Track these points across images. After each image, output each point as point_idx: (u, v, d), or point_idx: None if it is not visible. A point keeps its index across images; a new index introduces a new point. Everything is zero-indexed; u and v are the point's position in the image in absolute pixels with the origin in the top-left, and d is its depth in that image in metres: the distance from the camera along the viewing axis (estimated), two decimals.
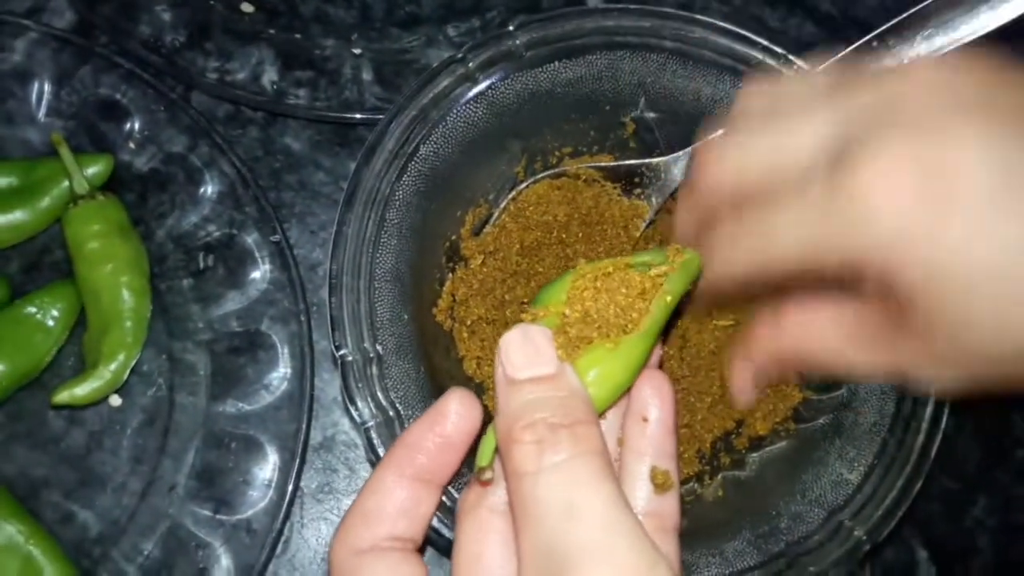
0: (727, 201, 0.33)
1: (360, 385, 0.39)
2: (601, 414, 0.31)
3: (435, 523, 0.38)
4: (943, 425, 0.41)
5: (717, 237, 0.34)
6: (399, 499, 0.28)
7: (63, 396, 0.44)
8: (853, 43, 0.42)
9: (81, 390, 0.44)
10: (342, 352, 0.40)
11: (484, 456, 0.29)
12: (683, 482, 0.45)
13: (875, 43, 0.42)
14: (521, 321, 0.46)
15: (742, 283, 0.33)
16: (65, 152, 0.46)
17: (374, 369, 0.40)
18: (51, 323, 0.46)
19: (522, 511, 0.24)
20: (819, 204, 0.29)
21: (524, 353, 0.28)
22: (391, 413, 0.40)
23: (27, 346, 0.45)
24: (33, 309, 0.46)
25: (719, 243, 0.33)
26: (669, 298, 0.33)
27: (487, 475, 0.28)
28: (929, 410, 0.41)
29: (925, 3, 0.39)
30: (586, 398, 0.28)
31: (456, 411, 0.29)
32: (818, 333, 0.35)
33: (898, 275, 0.28)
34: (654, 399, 0.30)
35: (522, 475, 0.25)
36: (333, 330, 0.40)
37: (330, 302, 0.40)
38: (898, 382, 0.35)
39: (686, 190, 0.37)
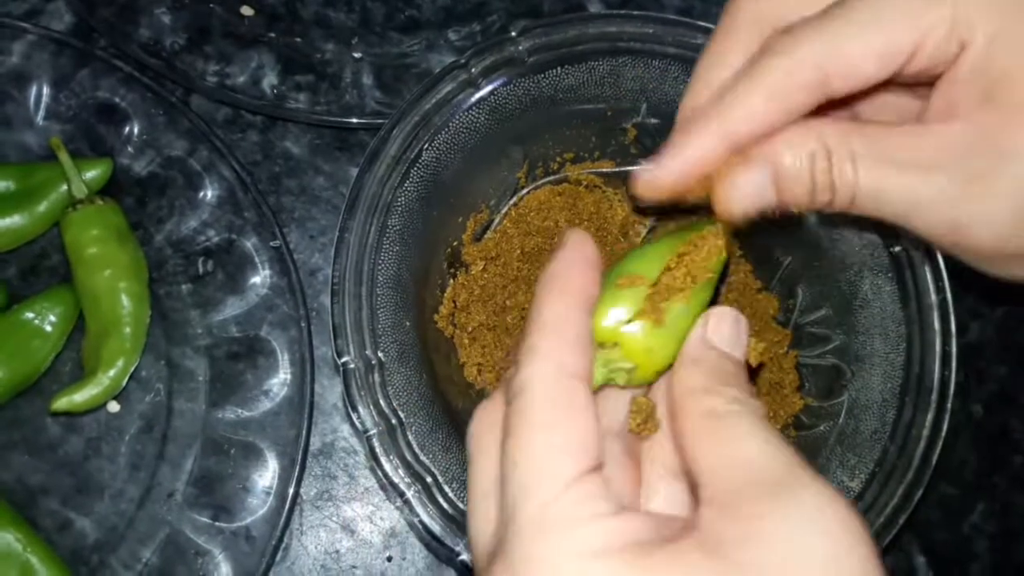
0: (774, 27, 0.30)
1: (362, 393, 0.39)
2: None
3: (435, 528, 0.38)
4: (944, 433, 0.41)
5: (764, 56, 0.29)
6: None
7: (62, 403, 0.44)
8: None
9: (80, 396, 0.44)
10: (344, 359, 0.40)
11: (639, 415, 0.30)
12: None
13: None
14: (521, 325, 0.46)
15: (817, 93, 0.29)
16: (64, 156, 0.46)
17: (376, 376, 0.40)
18: (49, 328, 0.46)
19: (713, 442, 0.26)
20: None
21: (733, 332, 0.29)
22: (393, 421, 0.39)
23: (25, 352, 0.45)
24: (31, 314, 0.45)
25: (793, 38, 0.29)
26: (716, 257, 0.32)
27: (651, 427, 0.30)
28: (930, 417, 0.41)
29: None
30: (751, 388, 0.29)
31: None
32: (895, 144, 0.29)
33: (995, 42, 0.27)
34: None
35: (715, 414, 0.26)
36: (335, 337, 0.40)
37: (332, 309, 0.40)
38: (945, 238, 0.29)
39: (715, 37, 0.32)
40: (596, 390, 0.29)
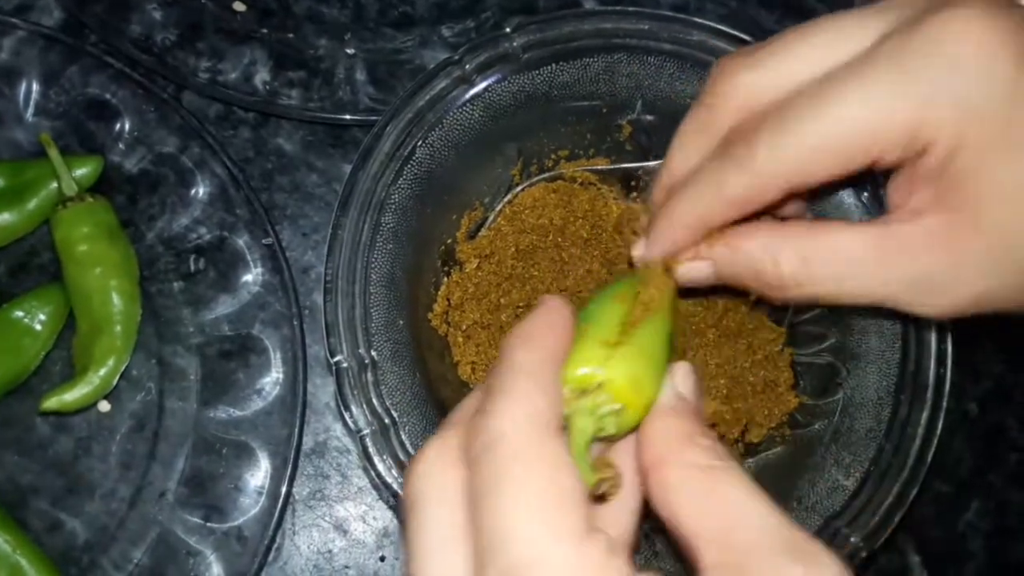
0: (758, 108, 0.31)
1: (355, 392, 0.39)
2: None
3: None
4: (939, 431, 0.41)
5: (729, 166, 0.31)
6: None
7: (52, 402, 0.44)
8: None
9: (70, 396, 0.44)
10: (337, 359, 0.39)
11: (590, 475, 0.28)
12: None
13: None
14: (513, 325, 0.46)
15: (779, 194, 0.31)
16: (54, 153, 0.46)
17: (369, 376, 0.40)
18: (39, 327, 0.45)
19: (703, 501, 0.25)
20: (888, 70, 0.28)
21: (697, 385, 0.30)
22: (386, 421, 0.39)
23: (15, 350, 0.45)
24: (21, 313, 0.45)
25: (750, 149, 0.30)
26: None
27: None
28: (925, 415, 0.41)
29: None
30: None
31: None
32: (838, 242, 0.31)
33: (961, 148, 0.28)
34: None
35: (701, 468, 0.26)
36: (328, 336, 0.39)
37: (325, 308, 0.40)
38: (908, 306, 0.31)
39: (697, 110, 0.34)
40: (587, 444, 0.27)
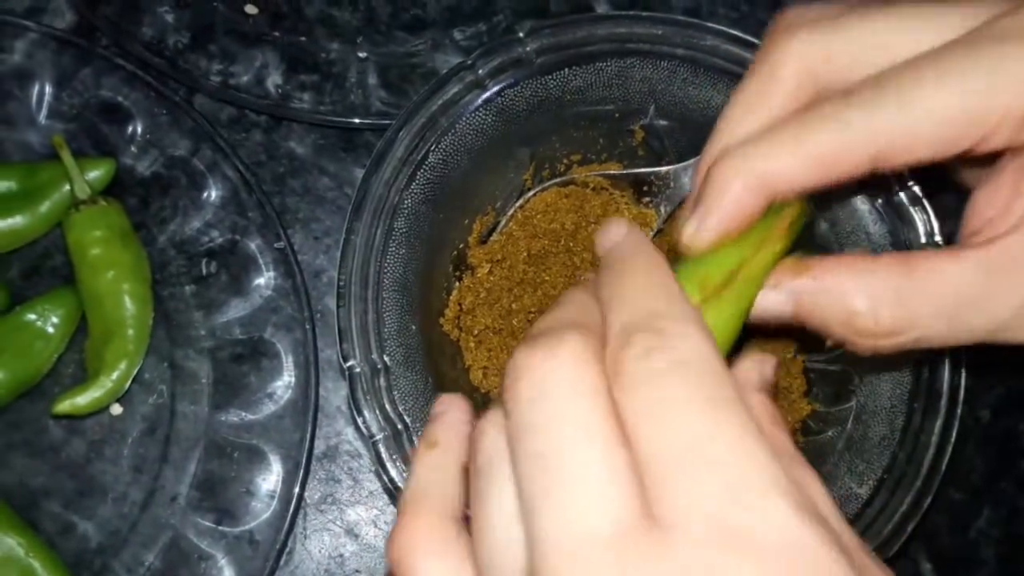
0: (824, 86, 0.28)
1: (368, 397, 0.39)
2: None
3: None
4: (953, 439, 0.40)
5: (816, 120, 0.27)
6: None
7: (64, 406, 0.44)
8: None
9: (83, 399, 0.44)
10: (350, 363, 0.39)
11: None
12: None
13: None
14: (528, 329, 0.46)
15: (862, 166, 0.27)
16: (66, 156, 0.46)
17: (382, 381, 0.40)
18: (51, 330, 0.45)
19: None
20: (1013, 49, 0.25)
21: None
22: (399, 426, 0.39)
23: (27, 354, 0.45)
24: (33, 316, 0.45)
25: (845, 107, 0.27)
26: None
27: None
28: (939, 424, 0.41)
29: None
30: None
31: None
32: (945, 274, 0.27)
33: None
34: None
35: None
36: (341, 341, 0.39)
37: (338, 313, 0.40)
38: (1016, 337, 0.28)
39: (758, 71, 0.29)
40: None
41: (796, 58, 0.28)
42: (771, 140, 0.27)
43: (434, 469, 0.25)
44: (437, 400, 0.28)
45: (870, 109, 0.26)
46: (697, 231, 0.28)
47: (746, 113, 0.29)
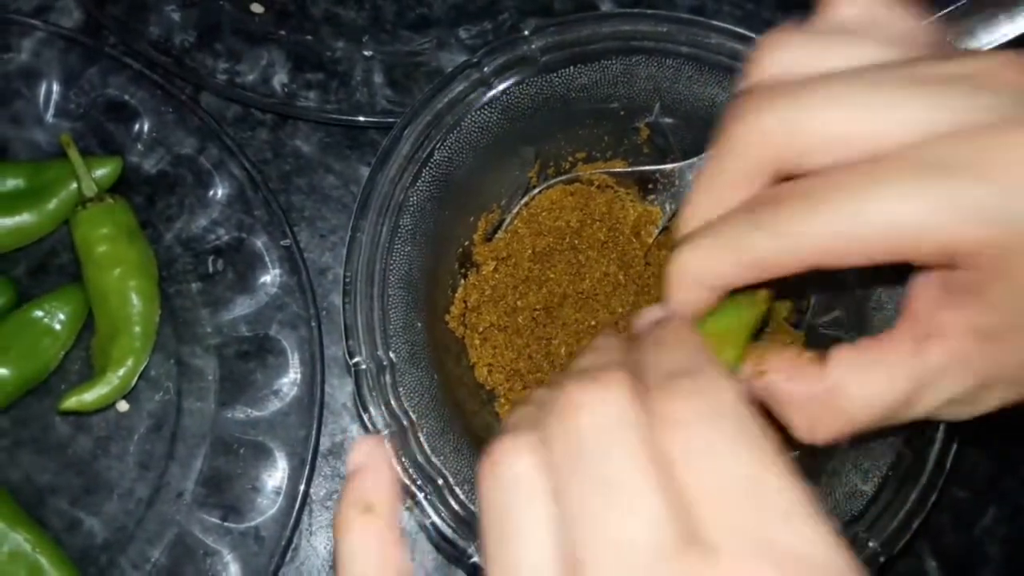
0: (782, 169, 0.28)
1: (374, 394, 0.39)
2: None
3: (446, 530, 0.38)
4: (959, 436, 0.40)
5: (749, 227, 0.28)
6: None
7: (71, 402, 0.44)
8: None
9: (89, 396, 0.44)
10: (356, 360, 0.39)
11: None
12: None
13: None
14: (532, 326, 0.46)
15: (798, 269, 0.27)
16: (73, 154, 0.46)
17: (387, 378, 0.40)
18: (58, 327, 0.45)
19: None
20: (942, 177, 0.24)
21: None
22: (405, 422, 0.39)
23: (34, 351, 0.45)
24: (40, 313, 0.45)
25: (752, 234, 0.27)
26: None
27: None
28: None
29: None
30: None
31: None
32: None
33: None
34: None
35: None
36: (347, 338, 0.39)
37: (344, 310, 0.40)
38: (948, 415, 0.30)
39: (711, 164, 0.30)
40: None
41: (757, 138, 0.27)
42: (712, 241, 0.29)
43: (378, 539, 0.24)
44: (354, 446, 0.26)
45: (800, 219, 0.26)
46: (666, 318, 0.30)
47: (706, 195, 0.30)
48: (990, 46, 0.38)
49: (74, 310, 0.46)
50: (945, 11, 0.40)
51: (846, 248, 0.26)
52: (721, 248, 0.28)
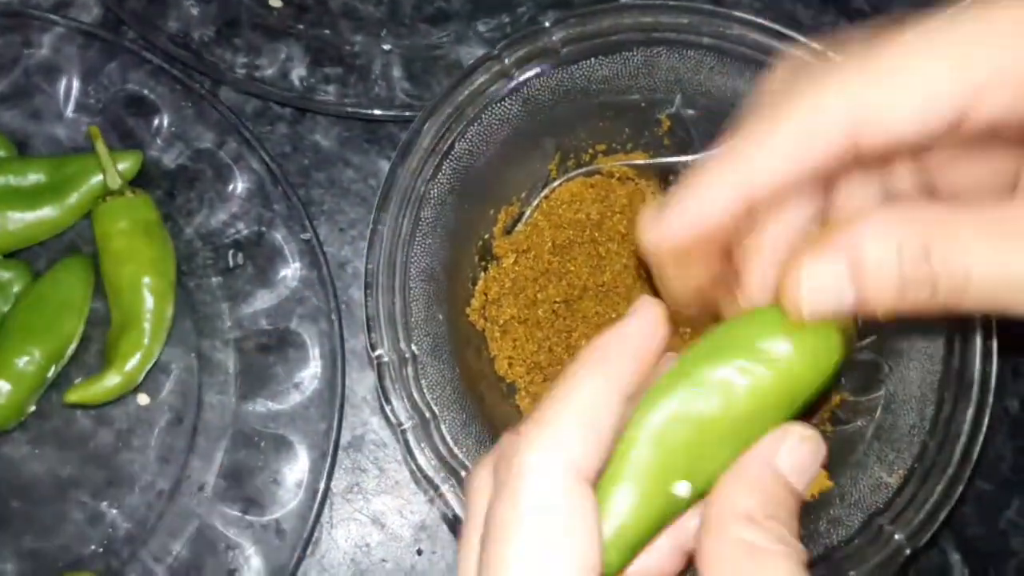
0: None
1: (396, 386, 0.39)
2: None
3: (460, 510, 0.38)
4: (984, 429, 0.40)
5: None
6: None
7: (75, 395, 0.44)
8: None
9: (94, 389, 0.44)
10: (378, 353, 0.39)
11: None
12: None
13: None
14: (552, 319, 0.46)
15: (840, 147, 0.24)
16: (100, 146, 0.46)
17: (409, 370, 0.40)
18: (71, 297, 0.45)
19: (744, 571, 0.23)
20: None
21: (808, 461, 0.25)
22: (427, 415, 0.39)
23: (54, 325, 0.45)
24: (51, 287, 0.45)
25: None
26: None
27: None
28: (971, 413, 0.40)
29: None
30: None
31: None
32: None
33: None
34: None
35: (752, 549, 0.23)
36: (369, 331, 0.39)
37: (366, 302, 0.40)
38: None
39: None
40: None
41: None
42: (744, 136, 0.25)
43: None
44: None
45: (834, 87, 0.24)
46: (657, 228, 0.27)
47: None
48: None
49: (81, 278, 0.46)
50: None
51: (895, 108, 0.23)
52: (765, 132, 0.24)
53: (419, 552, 0.46)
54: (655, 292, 0.46)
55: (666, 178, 0.46)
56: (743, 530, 0.23)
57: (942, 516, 0.39)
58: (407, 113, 0.49)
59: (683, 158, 0.45)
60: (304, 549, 0.44)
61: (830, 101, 0.23)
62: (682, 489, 0.24)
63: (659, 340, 0.25)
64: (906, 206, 0.24)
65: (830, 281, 0.23)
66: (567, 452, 0.22)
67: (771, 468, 0.24)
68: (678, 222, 0.26)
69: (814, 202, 0.27)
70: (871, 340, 0.44)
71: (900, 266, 0.22)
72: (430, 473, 0.38)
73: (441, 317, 0.42)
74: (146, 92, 0.49)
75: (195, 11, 0.50)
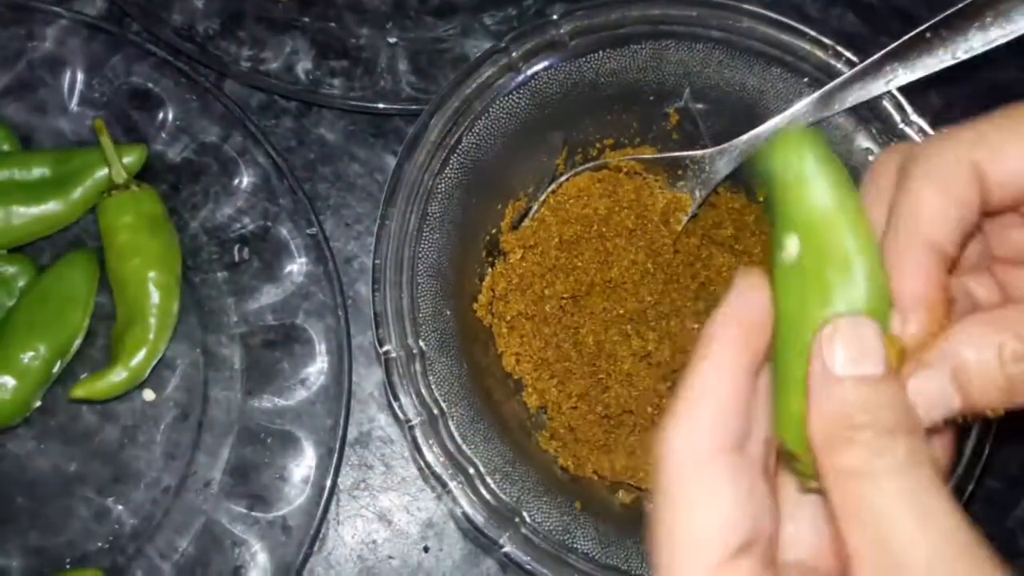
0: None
1: (404, 382, 0.39)
2: None
3: (478, 519, 0.38)
4: (995, 427, 0.40)
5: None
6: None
7: (81, 390, 0.44)
8: (900, 35, 0.41)
9: (99, 385, 0.44)
10: (386, 349, 0.39)
11: (796, 442, 0.24)
12: None
13: (928, 34, 0.41)
14: (560, 315, 0.45)
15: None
16: (105, 140, 0.45)
17: (417, 366, 0.39)
18: (76, 291, 0.45)
19: (856, 515, 0.22)
20: None
21: (855, 347, 0.24)
22: (435, 411, 0.39)
23: (59, 319, 0.44)
24: (55, 282, 0.45)
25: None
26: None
27: (812, 484, 0.25)
28: None
29: None
30: (912, 409, 0.24)
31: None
32: None
33: None
34: None
35: (854, 475, 0.23)
36: (376, 327, 0.39)
37: (373, 298, 0.39)
38: None
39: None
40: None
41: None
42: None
43: None
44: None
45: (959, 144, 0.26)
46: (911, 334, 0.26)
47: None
48: (986, 48, 0.39)
49: (85, 272, 0.46)
50: (941, 16, 0.40)
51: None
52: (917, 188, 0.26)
53: (426, 549, 0.46)
54: (663, 288, 0.45)
55: (674, 172, 0.46)
56: (835, 455, 0.23)
57: None
58: (413, 107, 0.49)
59: (692, 152, 0.45)
60: (310, 546, 0.44)
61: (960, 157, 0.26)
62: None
63: (764, 311, 0.25)
64: (996, 312, 0.25)
65: (935, 392, 0.25)
66: (701, 432, 0.24)
67: (826, 376, 0.24)
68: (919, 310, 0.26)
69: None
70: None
71: (1002, 367, 0.24)
72: (438, 470, 0.38)
73: (448, 313, 0.42)
74: (150, 85, 0.48)
75: (199, 4, 0.50)
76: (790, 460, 0.25)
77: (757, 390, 0.26)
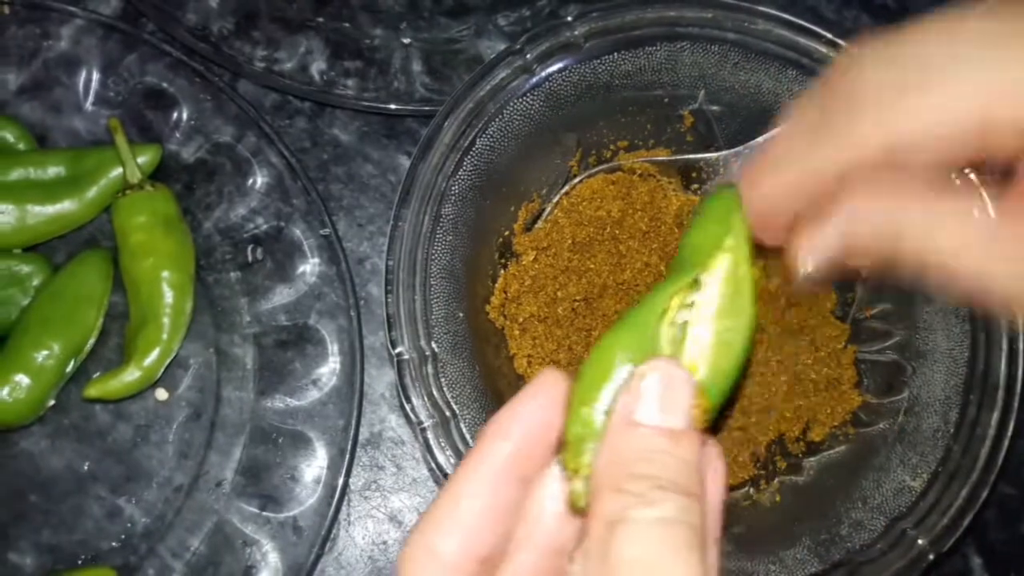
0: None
1: (416, 384, 0.39)
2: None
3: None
4: (1010, 432, 0.40)
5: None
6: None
7: (94, 390, 0.44)
8: None
9: (113, 384, 0.44)
10: (398, 350, 0.39)
11: (576, 459, 0.24)
12: (738, 486, 0.44)
13: None
14: (572, 317, 0.45)
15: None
16: (120, 139, 0.46)
17: (430, 368, 0.39)
18: (90, 290, 0.45)
19: (602, 558, 0.22)
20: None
21: (659, 397, 0.24)
22: (447, 413, 0.39)
23: (73, 317, 0.45)
24: (70, 282, 0.45)
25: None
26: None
27: (580, 503, 0.24)
28: (996, 416, 0.40)
29: None
30: (698, 471, 0.24)
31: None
32: (952, 223, 0.25)
33: None
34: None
35: (612, 522, 0.23)
36: (389, 329, 0.39)
37: (386, 299, 0.39)
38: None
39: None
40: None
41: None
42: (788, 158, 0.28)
43: None
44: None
45: (868, 115, 0.26)
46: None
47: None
48: None
49: (99, 272, 0.46)
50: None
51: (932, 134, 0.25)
52: (792, 162, 0.27)
53: None
54: None
55: (688, 175, 0.46)
56: (608, 501, 0.23)
57: (966, 521, 0.39)
58: (427, 108, 0.49)
59: (705, 155, 0.45)
60: (321, 546, 0.44)
61: (866, 132, 0.26)
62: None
63: (554, 411, 0.25)
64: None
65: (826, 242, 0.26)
66: (437, 554, 0.24)
67: (627, 420, 0.24)
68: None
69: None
70: (894, 341, 0.43)
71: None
72: (449, 472, 0.38)
73: (461, 315, 0.42)
74: (165, 85, 0.48)
75: (214, 3, 0.50)
76: (568, 475, 0.25)
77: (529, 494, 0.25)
